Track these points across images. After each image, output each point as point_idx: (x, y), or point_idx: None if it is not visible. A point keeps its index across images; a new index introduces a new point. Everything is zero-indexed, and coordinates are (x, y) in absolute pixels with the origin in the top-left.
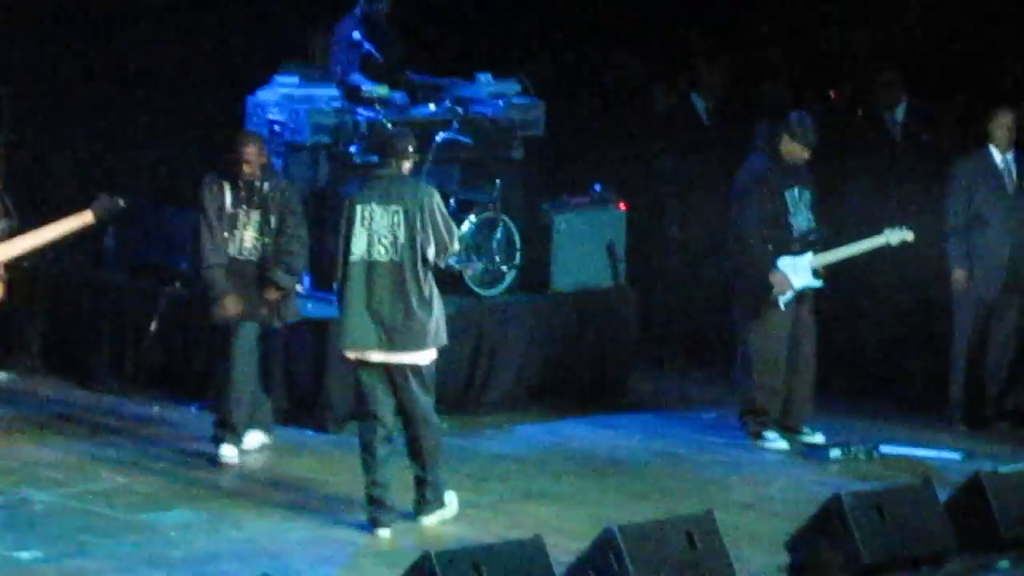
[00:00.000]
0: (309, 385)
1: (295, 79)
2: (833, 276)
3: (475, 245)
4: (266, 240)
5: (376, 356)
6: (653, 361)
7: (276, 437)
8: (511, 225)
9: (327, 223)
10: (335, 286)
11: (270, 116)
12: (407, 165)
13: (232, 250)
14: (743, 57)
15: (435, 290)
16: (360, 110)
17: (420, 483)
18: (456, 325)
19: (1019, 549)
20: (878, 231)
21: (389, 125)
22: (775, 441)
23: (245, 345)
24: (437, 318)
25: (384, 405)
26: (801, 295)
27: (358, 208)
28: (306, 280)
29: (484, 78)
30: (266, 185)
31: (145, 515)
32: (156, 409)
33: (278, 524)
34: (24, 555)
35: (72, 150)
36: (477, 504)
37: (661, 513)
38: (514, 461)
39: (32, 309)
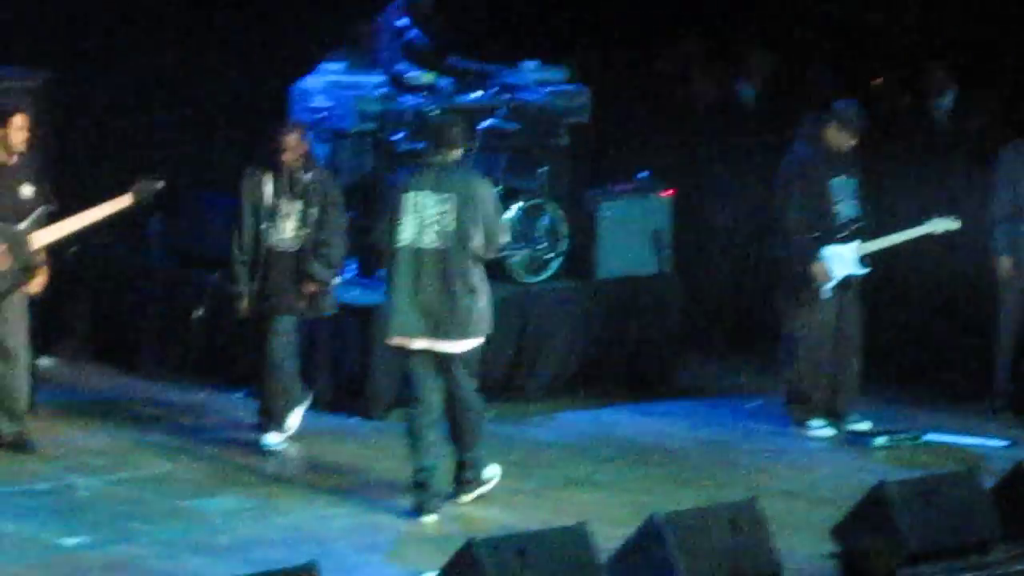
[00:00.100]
0: (354, 372)
1: (341, 66)
2: (878, 264)
3: (521, 232)
4: (307, 231)
5: (420, 344)
6: (698, 348)
7: (321, 424)
8: (557, 212)
9: (373, 210)
10: (383, 272)
11: (316, 103)
12: (458, 153)
13: (272, 240)
14: (789, 44)
15: (483, 279)
16: (406, 97)
17: (460, 465)
18: (501, 312)
19: None
20: (924, 219)
21: (435, 112)
22: (820, 428)
23: (283, 338)
24: (483, 307)
25: (431, 390)
26: (846, 283)
27: (409, 195)
28: (352, 267)
29: (530, 65)
30: (308, 176)
31: (190, 501)
32: (202, 396)
33: (323, 511)
34: (69, 541)
35: (119, 138)
36: (521, 491)
37: (705, 500)
38: (558, 448)
39: (78, 296)
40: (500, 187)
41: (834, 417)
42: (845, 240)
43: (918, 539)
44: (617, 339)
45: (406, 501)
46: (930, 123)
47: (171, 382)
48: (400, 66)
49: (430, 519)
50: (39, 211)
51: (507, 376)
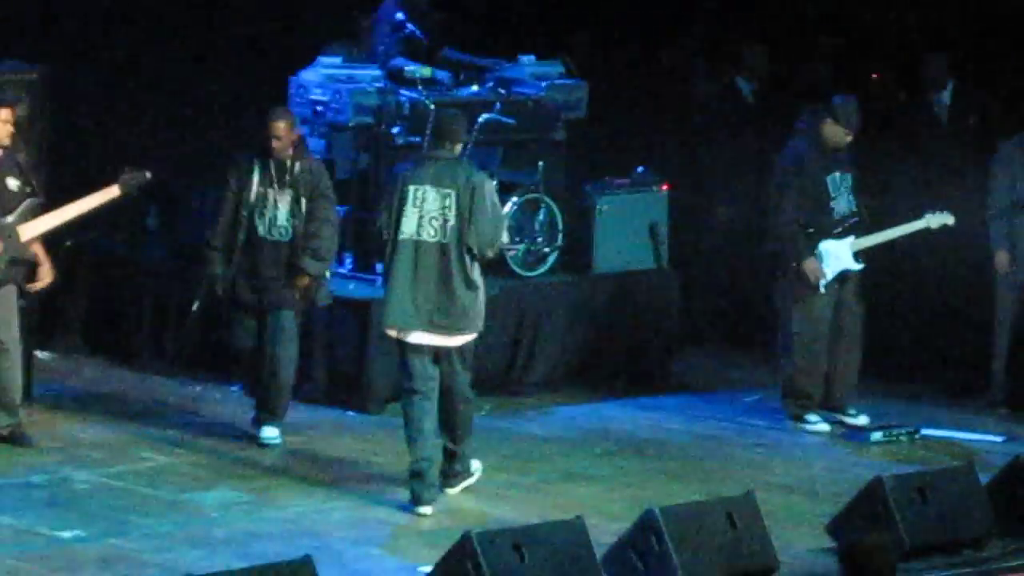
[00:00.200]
0: (350, 366)
1: (338, 59)
2: (875, 259)
3: (517, 226)
4: (296, 222)
5: (416, 337)
6: (695, 343)
7: (318, 418)
8: (553, 207)
9: (370, 204)
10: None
11: (313, 96)
12: (460, 147)
13: (261, 231)
14: (787, 40)
15: (480, 275)
16: (403, 91)
17: (451, 456)
18: (498, 306)
19: None
20: (919, 215)
21: (432, 106)
22: (817, 423)
23: (281, 333)
24: (481, 303)
25: (429, 381)
26: (844, 278)
27: (411, 188)
28: (348, 260)
29: (527, 59)
30: (297, 165)
31: (187, 495)
32: (198, 389)
33: (319, 504)
34: (66, 534)
35: (116, 132)
36: (518, 485)
37: (702, 495)
38: (555, 442)
39: (75, 290)
40: (496, 181)
41: (833, 411)
42: (840, 236)
43: (914, 534)
44: (614, 334)
45: (403, 494)
46: (929, 117)
47: (168, 375)
48: (397, 60)
49: (426, 509)
50: (26, 203)
51: (504, 370)
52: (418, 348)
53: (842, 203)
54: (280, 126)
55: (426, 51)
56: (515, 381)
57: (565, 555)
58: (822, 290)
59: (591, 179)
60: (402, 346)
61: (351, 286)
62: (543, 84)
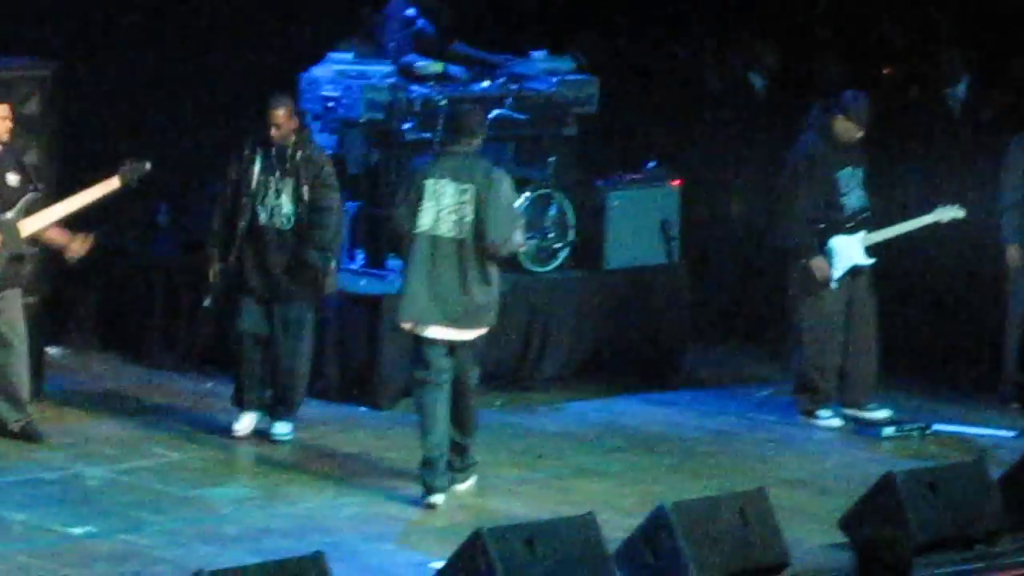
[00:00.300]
0: (362, 362)
1: (349, 55)
2: (886, 254)
3: (529, 222)
4: (299, 210)
5: (432, 331)
6: (706, 338)
7: (330, 414)
8: (565, 202)
9: (380, 200)
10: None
11: (324, 92)
12: (478, 142)
13: (263, 219)
14: (799, 34)
15: (496, 271)
16: (414, 87)
17: (460, 450)
18: (509, 302)
19: None
20: (930, 208)
21: (443, 102)
22: (828, 419)
23: (291, 327)
24: (496, 298)
25: (443, 373)
26: (856, 273)
27: (429, 182)
28: (359, 256)
29: (538, 55)
30: (298, 154)
31: (198, 491)
32: (209, 385)
33: (331, 500)
34: (77, 530)
35: (126, 128)
36: (530, 480)
37: (714, 490)
38: (567, 438)
39: (86, 285)
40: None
41: (853, 407)
42: (851, 231)
43: (925, 529)
44: (625, 329)
45: (415, 490)
46: (944, 112)
47: (179, 371)
48: (409, 57)
49: (438, 498)
50: (26, 199)
51: (515, 366)
52: (434, 341)
53: (853, 198)
54: (278, 113)
55: (437, 46)
56: (526, 377)
57: (577, 551)
58: (833, 286)
59: (602, 174)
60: (417, 339)
61: (363, 282)
62: (554, 80)
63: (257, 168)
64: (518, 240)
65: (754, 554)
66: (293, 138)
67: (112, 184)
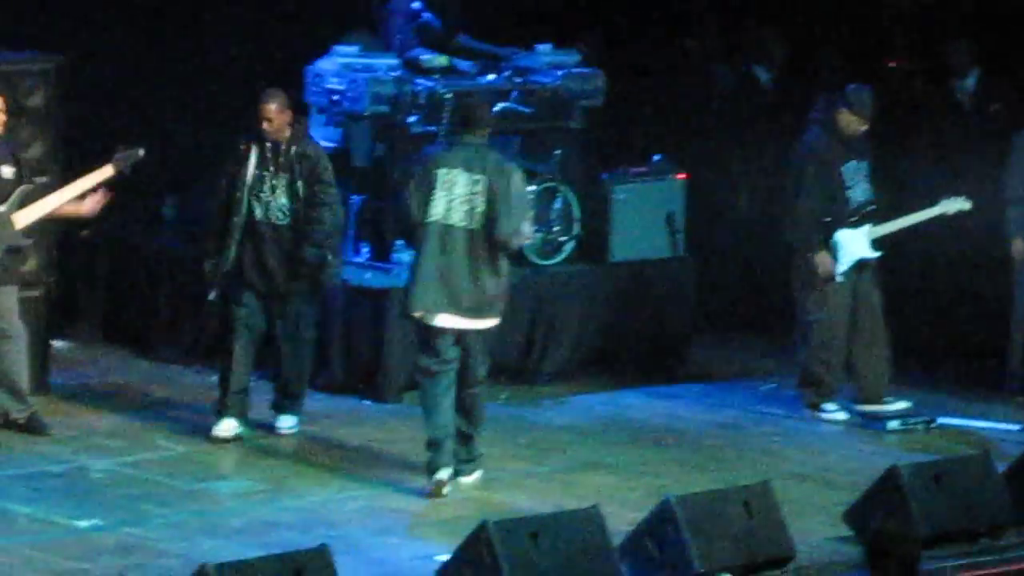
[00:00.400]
0: (367, 355)
1: (355, 48)
2: (891, 247)
3: (535, 215)
4: (294, 205)
5: (441, 320)
6: (711, 332)
7: (335, 407)
8: (570, 195)
9: (386, 193)
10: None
11: (329, 85)
12: (487, 133)
13: (259, 214)
14: (805, 28)
15: (506, 262)
16: (419, 80)
17: (466, 440)
18: (515, 295)
19: None
20: (935, 201)
21: (448, 95)
22: (833, 412)
23: (294, 321)
24: (505, 289)
25: (450, 362)
26: (862, 266)
27: (441, 171)
28: (364, 249)
29: (544, 48)
30: (293, 148)
31: (203, 484)
32: (215, 378)
33: (336, 493)
34: (82, 523)
35: (132, 121)
36: (535, 474)
37: (719, 483)
38: (572, 431)
39: (91, 278)
40: None
41: (868, 403)
42: (857, 224)
43: (930, 523)
44: (630, 322)
45: (420, 482)
46: (952, 104)
47: (185, 364)
48: (415, 51)
49: (443, 475)
50: (20, 191)
51: (520, 359)
52: (442, 330)
53: (858, 192)
54: (270, 108)
55: (443, 40)
56: (532, 370)
57: (582, 544)
58: (839, 279)
59: (608, 168)
60: (426, 328)
61: (368, 275)
62: (560, 73)
63: (252, 163)
64: (527, 231)
65: (759, 547)
66: (288, 133)
67: (106, 172)
